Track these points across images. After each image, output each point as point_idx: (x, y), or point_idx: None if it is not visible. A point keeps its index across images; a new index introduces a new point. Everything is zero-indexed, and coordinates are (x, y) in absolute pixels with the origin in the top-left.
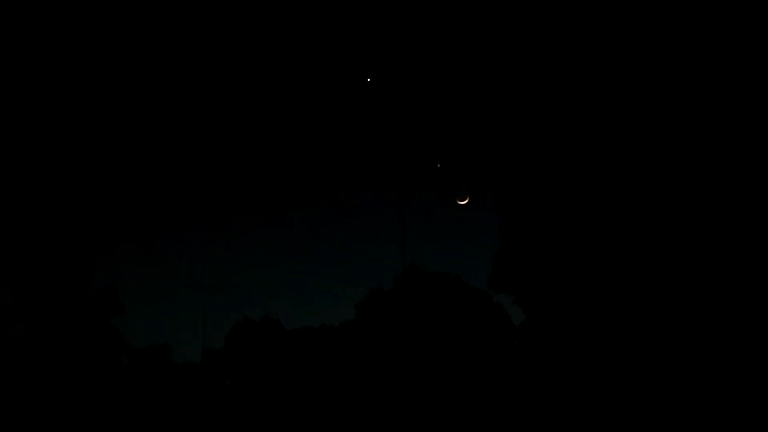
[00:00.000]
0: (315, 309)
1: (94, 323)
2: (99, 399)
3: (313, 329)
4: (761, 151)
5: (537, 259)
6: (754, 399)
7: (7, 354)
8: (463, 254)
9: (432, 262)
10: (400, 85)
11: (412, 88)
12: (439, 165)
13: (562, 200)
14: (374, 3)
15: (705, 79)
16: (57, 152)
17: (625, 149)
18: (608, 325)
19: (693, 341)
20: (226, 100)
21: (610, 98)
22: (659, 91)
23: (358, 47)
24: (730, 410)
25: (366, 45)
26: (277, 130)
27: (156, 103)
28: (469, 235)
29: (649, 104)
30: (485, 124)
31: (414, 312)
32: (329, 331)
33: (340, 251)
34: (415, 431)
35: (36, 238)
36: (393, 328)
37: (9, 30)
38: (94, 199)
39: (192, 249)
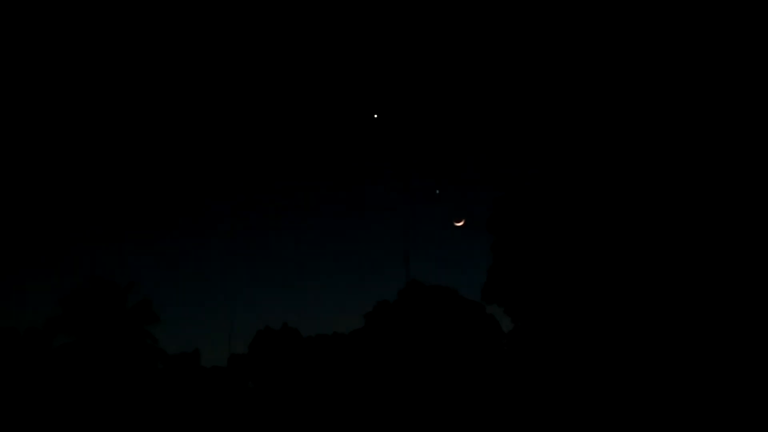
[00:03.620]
0: (328, 319)
1: (132, 333)
2: (137, 400)
3: (327, 337)
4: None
5: (524, 275)
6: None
7: (54, 361)
8: (460, 270)
9: (432, 277)
10: (406, 120)
11: (416, 122)
12: (438, 191)
13: (546, 223)
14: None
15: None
16: (99, 179)
17: (602, 178)
18: (587, 333)
19: (667, 343)
20: (249, 119)
21: (587, 130)
22: (643, 123)
23: (363, 78)
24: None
25: (372, 77)
26: (298, 164)
27: (181, 126)
28: (464, 254)
29: (629, 135)
30: (480, 154)
31: (416, 321)
32: (341, 338)
33: (351, 268)
34: (416, 425)
35: (77, 256)
36: (397, 335)
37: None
38: (134, 224)
39: (220, 266)
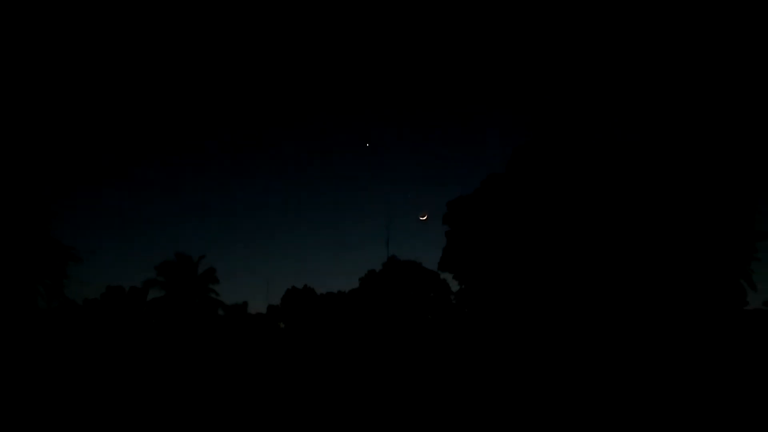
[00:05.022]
0: (334, 281)
1: (201, 290)
2: (205, 336)
3: (333, 294)
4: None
5: (467, 253)
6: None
7: (148, 309)
8: (423, 249)
9: (405, 254)
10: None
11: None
12: (409, 196)
13: (482, 219)
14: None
15: None
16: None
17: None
18: (508, 291)
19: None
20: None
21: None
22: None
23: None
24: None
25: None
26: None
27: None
28: (426, 238)
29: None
30: (436, 174)
31: (393, 284)
32: (342, 295)
33: (351, 246)
34: (391, 354)
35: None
36: (381, 293)
37: None
38: (206, 213)
39: (262, 246)
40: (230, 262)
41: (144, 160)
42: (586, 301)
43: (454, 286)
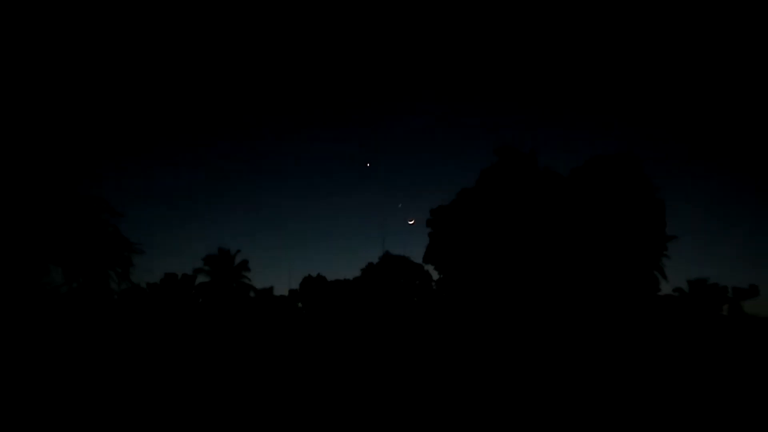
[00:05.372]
0: (341, 271)
1: (236, 278)
2: (240, 313)
3: (340, 281)
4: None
5: (446, 250)
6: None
7: (197, 291)
8: (411, 246)
9: (397, 250)
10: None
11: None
12: (400, 205)
13: (457, 223)
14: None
15: None
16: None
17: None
18: (477, 279)
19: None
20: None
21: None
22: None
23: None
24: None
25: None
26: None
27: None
28: (413, 238)
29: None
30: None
31: (387, 274)
32: (348, 282)
33: (355, 244)
34: (385, 328)
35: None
36: (378, 281)
37: None
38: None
39: (285, 242)
40: (260, 255)
41: (196, 174)
42: (535, 288)
43: (435, 275)
